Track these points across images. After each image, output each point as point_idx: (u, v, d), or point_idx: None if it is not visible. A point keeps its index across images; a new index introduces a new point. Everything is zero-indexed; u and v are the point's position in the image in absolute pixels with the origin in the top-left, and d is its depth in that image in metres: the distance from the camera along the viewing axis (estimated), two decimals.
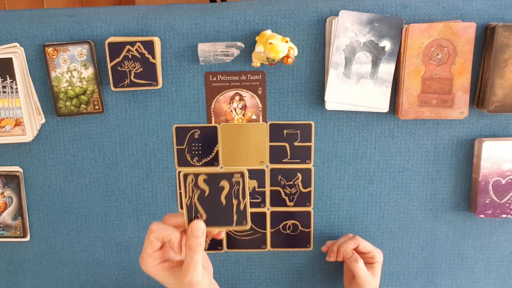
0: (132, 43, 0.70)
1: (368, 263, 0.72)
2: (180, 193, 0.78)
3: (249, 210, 0.57)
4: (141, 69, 0.71)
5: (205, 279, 0.56)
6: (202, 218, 0.56)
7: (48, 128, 0.77)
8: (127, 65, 0.71)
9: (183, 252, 0.56)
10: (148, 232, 0.55)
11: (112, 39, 0.71)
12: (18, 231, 0.79)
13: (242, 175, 0.55)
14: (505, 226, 0.78)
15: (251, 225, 0.79)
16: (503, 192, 0.74)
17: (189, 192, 0.55)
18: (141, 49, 0.71)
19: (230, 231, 0.80)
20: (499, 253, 0.79)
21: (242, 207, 0.56)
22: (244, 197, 0.56)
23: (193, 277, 0.53)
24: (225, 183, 0.55)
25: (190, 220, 0.56)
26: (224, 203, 0.56)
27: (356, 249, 0.73)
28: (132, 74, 0.72)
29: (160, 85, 0.73)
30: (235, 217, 0.56)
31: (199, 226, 0.55)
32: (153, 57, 0.71)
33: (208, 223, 0.56)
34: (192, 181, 0.55)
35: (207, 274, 0.57)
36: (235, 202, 0.56)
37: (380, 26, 0.70)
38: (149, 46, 0.71)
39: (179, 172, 0.53)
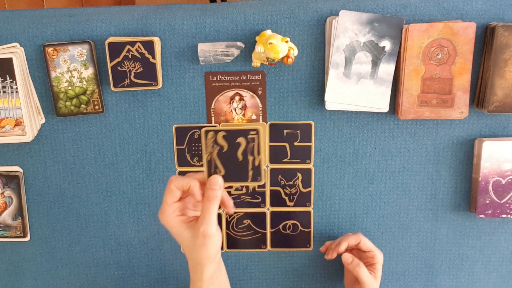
0: (132, 43, 0.70)
1: (369, 263, 0.72)
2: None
3: (264, 166, 0.61)
4: (141, 69, 0.71)
5: (218, 236, 0.58)
6: (220, 173, 0.60)
7: (48, 128, 0.77)
8: (127, 65, 0.71)
9: (199, 208, 0.60)
10: (168, 182, 0.59)
11: (112, 39, 0.71)
12: (18, 231, 0.79)
13: (257, 132, 0.59)
14: (505, 226, 0.78)
15: (251, 225, 0.79)
16: (503, 192, 0.74)
17: (209, 148, 0.59)
18: (141, 49, 0.71)
19: (231, 232, 0.80)
20: (499, 253, 0.79)
21: (257, 163, 0.60)
22: (258, 154, 0.60)
23: (208, 227, 0.57)
24: (241, 140, 0.59)
25: (209, 175, 0.60)
26: (240, 159, 0.60)
27: (357, 246, 0.73)
28: (132, 74, 0.72)
29: (160, 85, 0.73)
30: (250, 173, 0.60)
31: (217, 180, 0.59)
32: (153, 57, 0.71)
33: (226, 178, 0.60)
34: (212, 137, 0.59)
35: (219, 235, 0.59)
36: (250, 158, 0.60)
37: (380, 26, 0.70)
38: (149, 46, 0.71)
39: (202, 129, 0.59)
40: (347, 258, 0.71)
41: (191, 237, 0.58)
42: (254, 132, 0.59)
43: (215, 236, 0.58)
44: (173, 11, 0.74)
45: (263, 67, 0.74)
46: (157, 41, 0.71)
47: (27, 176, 0.78)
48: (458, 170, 0.77)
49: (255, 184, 0.63)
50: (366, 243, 0.72)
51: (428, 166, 0.77)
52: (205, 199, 0.58)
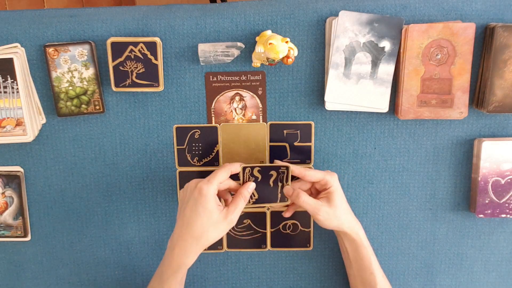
0: (135, 44, 0.70)
1: (324, 189, 0.70)
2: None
3: None
4: (143, 70, 0.72)
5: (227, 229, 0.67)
6: (254, 197, 0.70)
7: (49, 128, 0.77)
8: (129, 65, 0.71)
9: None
10: (224, 165, 0.67)
11: (113, 39, 0.71)
12: (19, 231, 0.79)
13: (287, 168, 0.69)
14: (504, 226, 0.78)
15: (251, 225, 0.80)
16: (502, 192, 0.74)
17: (246, 180, 0.69)
18: (143, 50, 0.71)
19: (231, 232, 0.80)
20: (498, 252, 0.79)
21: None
22: (287, 181, 0.70)
23: (235, 217, 0.66)
24: (273, 172, 0.69)
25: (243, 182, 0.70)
26: (272, 186, 0.70)
27: (308, 181, 0.70)
28: (134, 74, 0.72)
29: (161, 87, 0.73)
30: (279, 196, 0.70)
31: (251, 186, 0.68)
32: (156, 58, 0.71)
33: (259, 201, 0.70)
34: (249, 172, 0.68)
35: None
36: (280, 184, 0.70)
37: (379, 26, 0.70)
38: (152, 47, 0.71)
39: (241, 165, 0.68)
40: (287, 190, 0.70)
41: (216, 217, 0.64)
42: (284, 168, 0.69)
43: (232, 225, 0.66)
44: (173, 12, 0.74)
45: (263, 67, 0.74)
46: (159, 42, 0.71)
47: (28, 176, 0.78)
48: (457, 170, 0.77)
49: (283, 204, 0.71)
50: (313, 175, 0.69)
51: (428, 166, 0.77)
52: (239, 195, 0.67)
